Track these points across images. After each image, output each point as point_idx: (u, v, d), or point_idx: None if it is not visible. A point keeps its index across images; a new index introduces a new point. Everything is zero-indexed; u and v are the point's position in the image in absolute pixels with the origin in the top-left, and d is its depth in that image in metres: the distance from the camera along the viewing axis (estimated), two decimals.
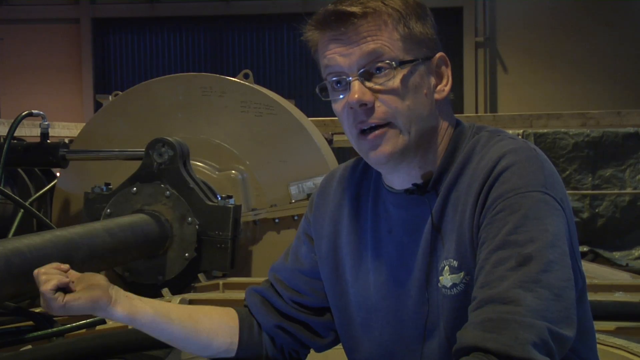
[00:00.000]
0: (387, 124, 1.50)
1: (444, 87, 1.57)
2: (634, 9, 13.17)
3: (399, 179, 1.59)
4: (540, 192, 1.43)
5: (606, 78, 13.07)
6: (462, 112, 12.58)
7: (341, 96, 1.53)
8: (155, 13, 14.08)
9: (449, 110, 1.61)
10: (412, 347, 1.57)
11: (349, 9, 1.50)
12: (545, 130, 7.75)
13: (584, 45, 13.15)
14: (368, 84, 1.50)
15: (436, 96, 1.56)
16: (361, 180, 1.69)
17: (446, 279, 1.51)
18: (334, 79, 1.53)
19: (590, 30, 13.14)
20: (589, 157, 7.63)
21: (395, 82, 1.49)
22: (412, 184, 1.57)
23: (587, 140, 7.62)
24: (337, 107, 1.54)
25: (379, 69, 1.50)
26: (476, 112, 12.91)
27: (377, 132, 1.50)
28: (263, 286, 1.80)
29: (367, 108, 1.50)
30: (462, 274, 1.49)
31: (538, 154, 1.50)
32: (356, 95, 1.49)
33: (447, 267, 1.51)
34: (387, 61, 1.49)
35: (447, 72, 1.58)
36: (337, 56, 1.51)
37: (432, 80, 1.55)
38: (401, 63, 1.50)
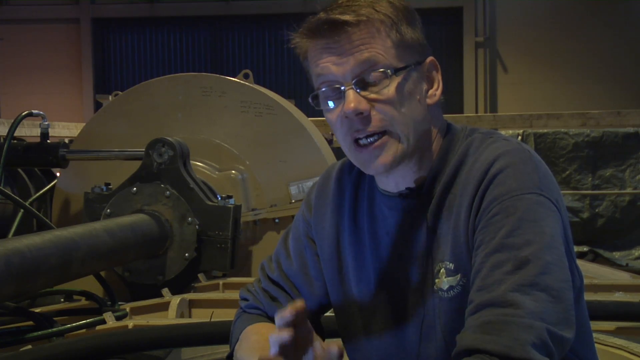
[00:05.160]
0: (384, 132, 1.50)
1: (435, 92, 1.57)
2: (634, 9, 13.17)
3: (394, 183, 1.58)
4: (536, 193, 1.43)
5: (606, 78, 13.07)
6: (462, 112, 12.58)
7: (335, 105, 1.51)
8: (155, 13, 14.08)
9: (439, 114, 1.60)
10: (410, 349, 1.57)
11: (342, 17, 1.48)
12: (545, 130, 7.76)
13: (584, 45, 13.15)
14: (363, 92, 1.49)
15: (428, 101, 1.55)
16: (358, 181, 1.68)
17: (443, 281, 1.50)
18: (328, 87, 1.52)
19: (590, 30, 13.14)
20: (589, 157, 7.64)
21: (391, 90, 1.48)
22: (406, 188, 1.57)
23: (587, 140, 7.63)
24: (330, 116, 1.53)
25: (374, 77, 1.48)
26: (476, 112, 12.90)
27: (376, 143, 1.49)
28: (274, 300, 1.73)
29: (363, 117, 1.49)
30: (458, 276, 1.49)
31: (532, 155, 1.49)
32: (352, 105, 1.47)
33: (443, 270, 1.50)
34: (382, 69, 1.48)
35: (438, 77, 1.58)
36: (330, 65, 1.50)
37: (424, 86, 1.55)
38: (396, 70, 1.49)
